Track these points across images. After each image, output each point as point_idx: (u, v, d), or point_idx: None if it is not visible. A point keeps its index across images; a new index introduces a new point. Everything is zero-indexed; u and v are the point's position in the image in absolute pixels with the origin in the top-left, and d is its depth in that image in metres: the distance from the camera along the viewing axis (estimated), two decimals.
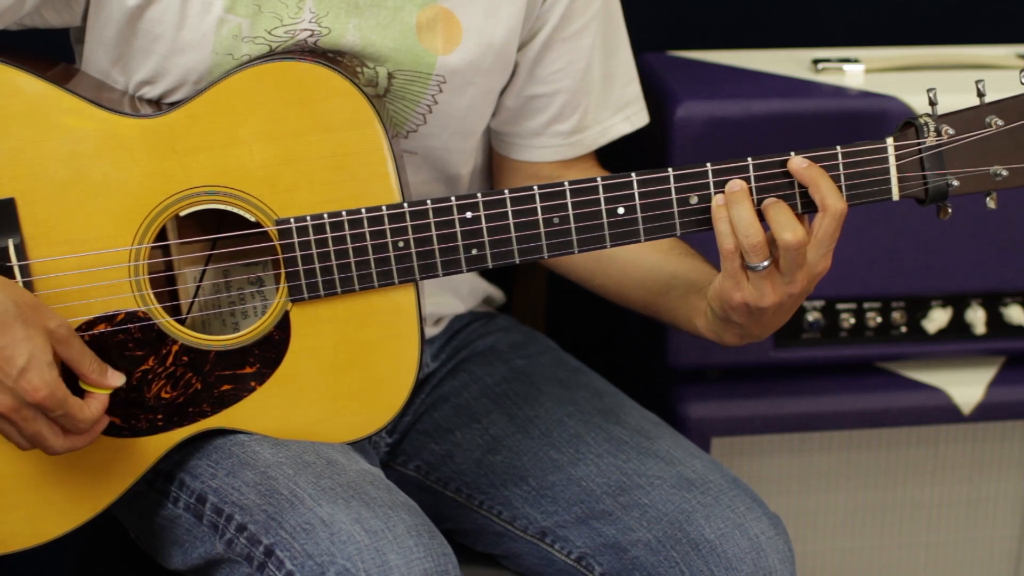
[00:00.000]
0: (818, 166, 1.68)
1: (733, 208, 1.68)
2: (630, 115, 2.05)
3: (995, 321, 2.35)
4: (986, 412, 2.35)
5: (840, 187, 1.70)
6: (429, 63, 1.84)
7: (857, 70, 2.31)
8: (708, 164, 1.69)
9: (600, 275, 1.99)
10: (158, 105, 1.81)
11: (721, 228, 1.69)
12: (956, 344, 2.36)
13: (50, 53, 1.84)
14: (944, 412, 2.35)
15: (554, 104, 1.98)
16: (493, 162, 2.06)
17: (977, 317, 2.34)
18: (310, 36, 1.78)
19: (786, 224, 1.66)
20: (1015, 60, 2.34)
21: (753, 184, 1.69)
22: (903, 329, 2.34)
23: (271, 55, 1.77)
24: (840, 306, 2.32)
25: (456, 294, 2.12)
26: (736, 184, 1.69)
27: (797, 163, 1.69)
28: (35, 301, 1.64)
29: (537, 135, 2.00)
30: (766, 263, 1.68)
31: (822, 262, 1.69)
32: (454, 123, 1.91)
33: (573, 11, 1.94)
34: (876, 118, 2.21)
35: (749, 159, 1.69)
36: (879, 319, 2.33)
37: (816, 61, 2.33)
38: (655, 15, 2.56)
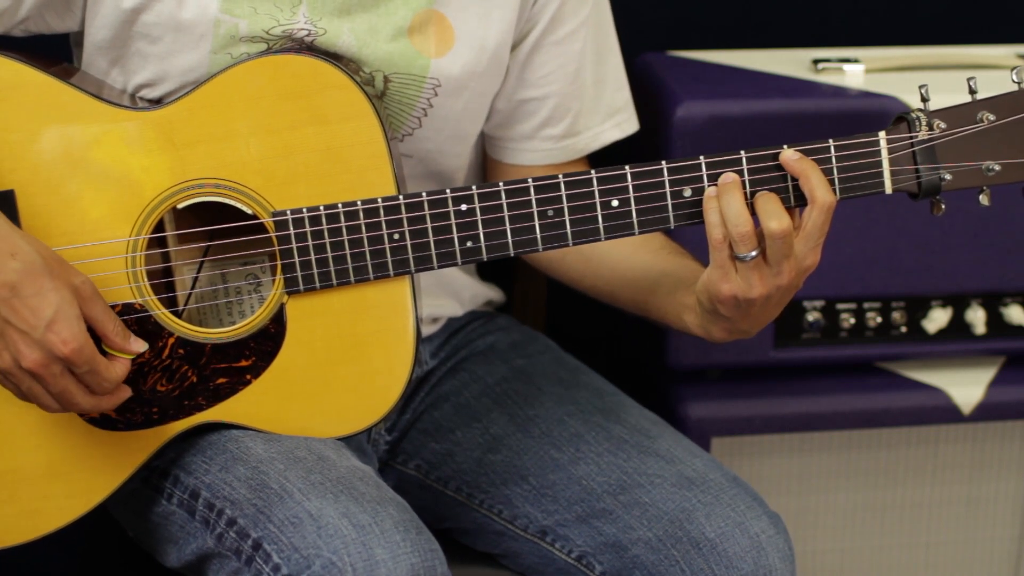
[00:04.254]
0: (809, 159, 1.69)
1: (724, 197, 1.68)
2: (620, 122, 2.05)
3: (995, 321, 2.35)
4: (986, 412, 2.35)
5: (833, 180, 1.70)
6: (422, 66, 1.84)
7: (857, 70, 2.31)
8: (701, 157, 1.70)
9: (591, 276, 2.00)
10: (158, 101, 1.82)
11: (711, 219, 1.69)
12: (956, 344, 2.36)
13: (50, 53, 1.85)
14: (944, 412, 2.35)
15: (544, 108, 1.98)
16: (486, 166, 2.07)
17: (977, 317, 2.34)
18: (307, 36, 1.79)
19: (772, 213, 1.67)
20: (1015, 60, 2.34)
21: (746, 177, 1.70)
22: (903, 329, 2.34)
23: (269, 50, 1.78)
24: (840, 306, 2.32)
25: (457, 298, 2.12)
26: (729, 176, 1.69)
27: (788, 155, 1.69)
28: (60, 257, 1.64)
29: (528, 139, 2.00)
30: (754, 253, 1.68)
31: (811, 256, 1.70)
32: (449, 127, 1.91)
33: (562, 15, 1.94)
34: (876, 118, 2.21)
35: (742, 152, 1.70)
36: (879, 319, 2.33)
37: (816, 61, 2.33)
38: (655, 15, 2.57)
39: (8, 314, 1.60)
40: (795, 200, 1.70)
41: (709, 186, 1.70)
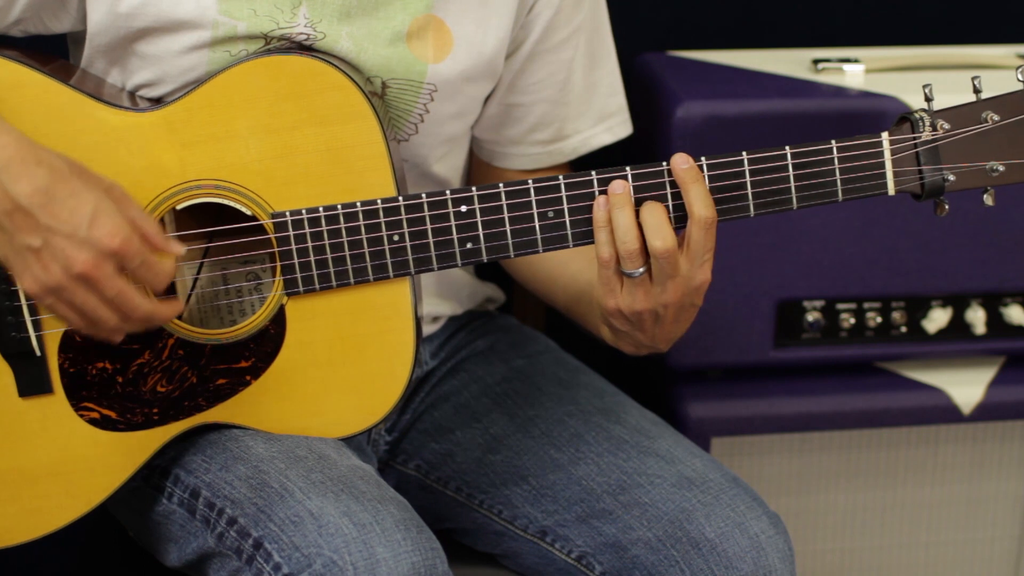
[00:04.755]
0: (696, 169, 1.68)
1: (615, 211, 1.67)
2: (612, 126, 2.05)
3: (995, 321, 2.35)
4: (986, 412, 2.35)
5: (835, 181, 1.70)
6: (420, 71, 1.84)
7: (857, 70, 2.31)
8: (703, 158, 1.69)
9: (531, 280, 2.02)
10: (157, 101, 1.81)
11: (600, 237, 1.68)
12: (956, 344, 2.36)
13: (50, 52, 1.85)
14: (944, 412, 2.35)
15: (532, 114, 1.98)
16: (474, 169, 2.07)
17: (977, 317, 2.34)
18: (306, 40, 1.79)
19: (657, 229, 1.66)
20: (1015, 60, 2.34)
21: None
22: (903, 329, 2.34)
23: (268, 50, 1.78)
24: (840, 306, 2.32)
25: (456, 298, 2.12)
26: (619, 186, 1.68)
27: (677, 162, 1.68)
28: (84, 166, 1.61)
29: (517, 143, 2.00)
30: (641, 270, 1.68)
31: (699, 273, 1.68)
32: (444, 131, 1.91)
33: (556, 23, 1.93)
34: (876, 118, 2.21)
35: (744, 153, 1.69)
36: (879, 319, 2.33)
37: (816, 61, 2.33)
38: (655, 15, 2.56)
39: (48, 220, 1.56)
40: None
41: (600, 196, 1.69)
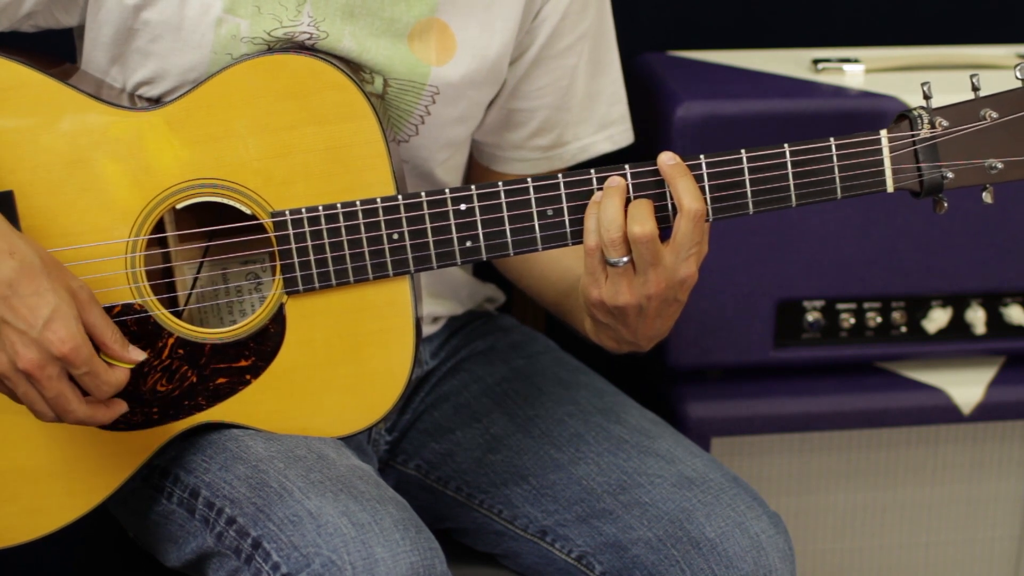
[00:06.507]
0: (683, 165, 1.69)
1: (604, 200, 1.69)
2: (613, 134, 2.05)
3: (995, 321, 2.35)
4: (986, 412, 2.35)
5: (834, 179, 1.70)
6: (423, 73, 1.84)
7: (857, 70, 2.32)
8: (702, 156, 1.69)
9: (526, 276, 2.02)
10: (156, 100, 1.81)
11: (588, 224, 1.69)
12: (956, 344, 2.36)
13: (52, 51, 1.85)
14: (944, 412, 2.35)
15: (534, 119, 1.98)
16: (472, 172, 2.07)
17: (977, 317, 2.34)
18: (308, 39, 1.79)
19: (637, 217, 1.67)
20: (1015, 60, 2.34)
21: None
22: (903, 329, 2.34)
23: (267, 50, 1.78)
24: (840, 306, 2.32)
25: (456, 297, 2.12)
26: (614, 180, 1.70)
27: (664, 158, 1.69)
28: (57, 260, 1.64)
29: (517, 148, 2.01)
30: (625, 259, 1.68)
31: (684, 267, 1.69)
32: (445, 134, 1.91)
33: (562, 29, 1.93)
34: (876, 118, 2.21)
35: (742, 151, 1.69)
36: (879, 319, 2.33)
37: (816, 61, 2.33)
38: (655, 15, 2.57)
39: (5, 313, 1.59)
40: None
41: (597, 190, 1.70)
